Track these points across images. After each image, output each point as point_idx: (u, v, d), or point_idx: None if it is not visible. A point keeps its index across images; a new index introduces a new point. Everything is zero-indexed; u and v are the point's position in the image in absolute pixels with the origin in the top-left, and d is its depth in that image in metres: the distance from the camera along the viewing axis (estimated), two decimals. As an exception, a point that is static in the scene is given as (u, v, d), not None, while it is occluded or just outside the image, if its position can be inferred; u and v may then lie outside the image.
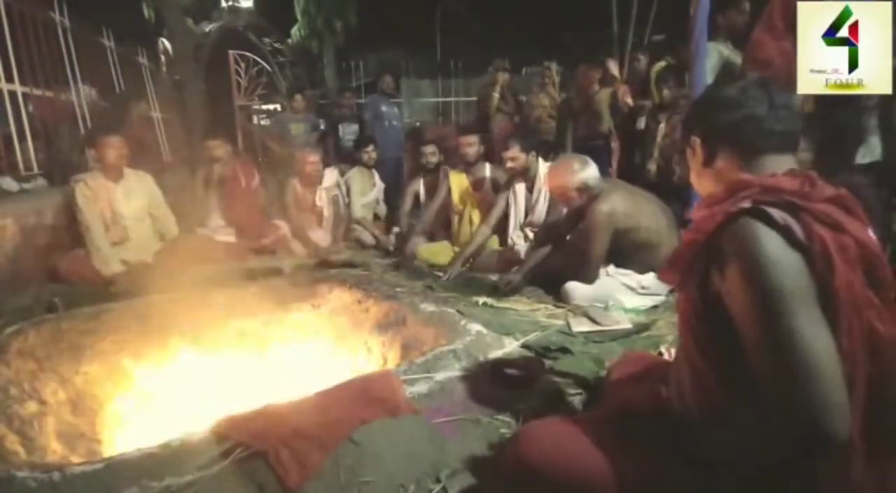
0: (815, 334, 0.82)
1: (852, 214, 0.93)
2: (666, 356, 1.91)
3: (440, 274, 3.29)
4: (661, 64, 4.05)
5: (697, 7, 2.48)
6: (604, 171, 3.48)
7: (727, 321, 0.92)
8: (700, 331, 1.00)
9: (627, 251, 2.68)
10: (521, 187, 3.56)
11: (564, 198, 2.79)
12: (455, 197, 4.02)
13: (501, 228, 3.69)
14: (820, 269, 0.85)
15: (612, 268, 2.73)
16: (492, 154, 4.41)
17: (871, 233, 0.94)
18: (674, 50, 4.06)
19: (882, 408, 0.88)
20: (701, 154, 1.07)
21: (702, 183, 1.13)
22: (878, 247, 0.92)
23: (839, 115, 2.28)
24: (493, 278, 3.03)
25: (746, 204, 0.90)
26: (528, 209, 3.57)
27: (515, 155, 3.41)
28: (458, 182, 4.02)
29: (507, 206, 3.60)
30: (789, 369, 0.82)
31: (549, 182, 2.93)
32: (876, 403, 0.87)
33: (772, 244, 0.86)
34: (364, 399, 1.51)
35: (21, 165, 3.68)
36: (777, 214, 0.87)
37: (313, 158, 4.28)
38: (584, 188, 2.70)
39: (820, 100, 2.25)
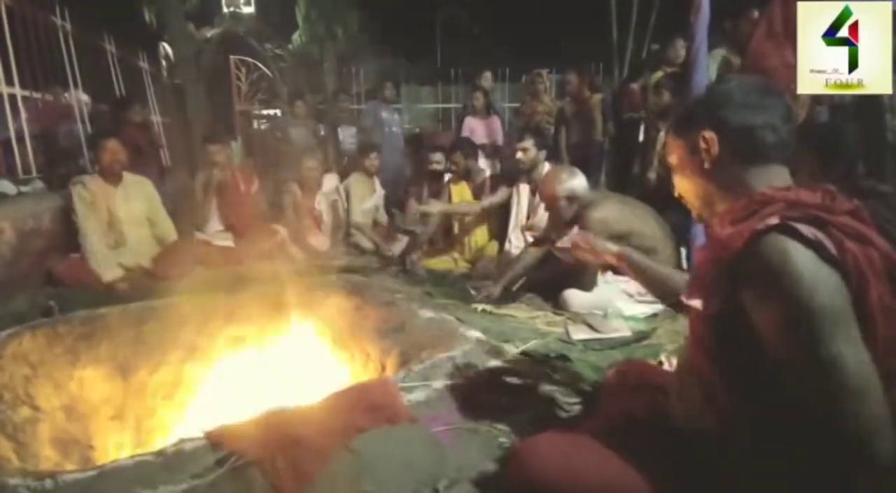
0: (858, 356, 0.79)
1: (868, 225, 0.91)
2: (665, 365, 1.90)
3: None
4: (659, 73, 4.08)
5: (698, 14, 2.48)
6: (598, 179, 3.49)
7: (747, 339, 0.88)
8: (714, 348, 0.97)
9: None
10: (525, 188, 3.57)
11: (555, 208, 2.81)
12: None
13: (501, 230, 3.69)
14: (854, 284, 0.82)
15: (610, 275, 2.73)
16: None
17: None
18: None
19: None
20: (715, 151, 1.00)
21: (697, 185, 1.05)
22: None
23: (837, 122, 2.28)
24: (473, 291, 2.97)
25: (774, 220, 0.86)
26: (531, 211, 3.57)
27: (527, 147, 3.41)
28: (458, 192, 4.03)
29: (510, 206, 3.61)
30: (835, 393, 0.79)
31: (539, 192, 2.94)
32: None
33: (806, 262, 0.82)
34: (362, 407, 1.49)
35: (19, 168, 3.68)
36: (806, 229, 0.84)
37: (311, 164, 4.29)
38: (572, 198, 2.71)
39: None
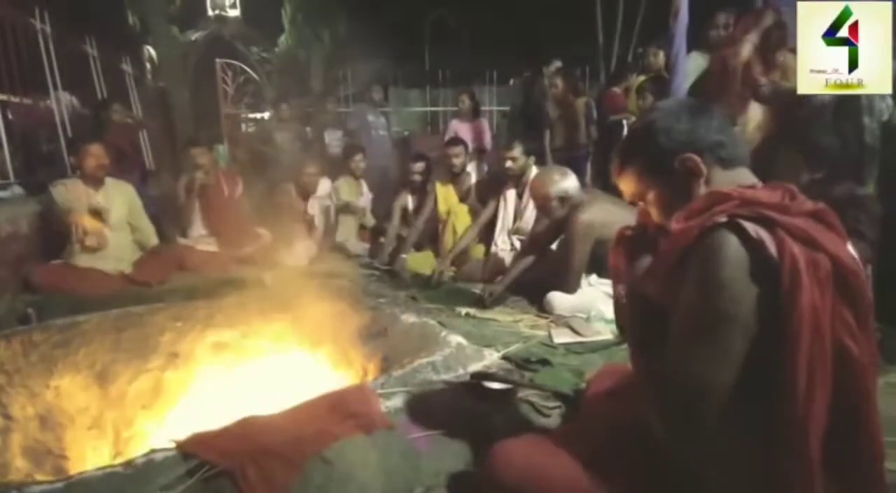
0: (720, 363, 0.86)
1: (831, 228, 0.92)
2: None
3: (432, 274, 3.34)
4: (643, 77, 4.11)
5: (676, 20, 2.50)
6: (584, 182, 3.49)
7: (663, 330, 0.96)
8: (648, 338, 1.03)
9: (608, 261, 2.69)
10: (511, 193, 3.56)
11: (546, 208, 2.81)
12: (441, 208, 4.01)
13: (488, 233, 3.68)
14: (787, 285, 0.84)
15: (593, 278, 2.73)
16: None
17: (850, 249, 0.92)
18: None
19: (851, 427, 0.86)
20: (704, 169, 1.00)
21: (676, 208, 1.02)
22: (857, 264, 0.90)
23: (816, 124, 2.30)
24: (477, 289, 3.00)
25: (722, 218, 0.89)
26: (517, 215, 3.57)
27: (516, 156, 3.40)
28: (444, 193, 4.02)
29: (497, 210, 3.60)
30: (677, 376, 0.90)
31: (531, 193, 2.95)
32: (844, 422, 0.86)
33: (730, 269, 0.86)
34: (337, 414, 1.47)
35: (-4, 174, 3.62)
36: (751, 227, 0.87)
37: (311, 169, 4.27)
38: (565, 198, 2.72)
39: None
